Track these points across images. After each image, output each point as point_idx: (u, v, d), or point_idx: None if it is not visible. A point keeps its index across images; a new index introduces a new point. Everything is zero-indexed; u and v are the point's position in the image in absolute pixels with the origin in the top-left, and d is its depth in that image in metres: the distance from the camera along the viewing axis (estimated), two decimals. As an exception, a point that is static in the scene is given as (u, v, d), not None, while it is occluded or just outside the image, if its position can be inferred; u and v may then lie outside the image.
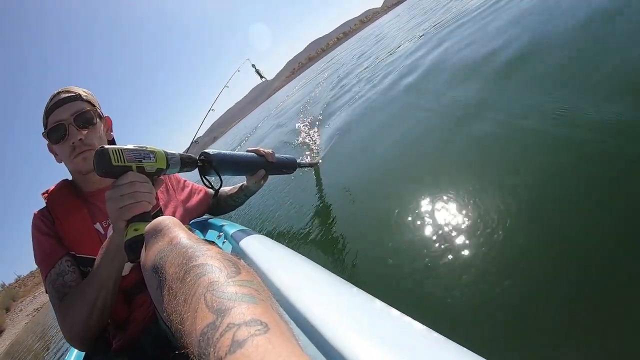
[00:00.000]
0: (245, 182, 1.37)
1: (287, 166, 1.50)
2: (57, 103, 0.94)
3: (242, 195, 1.40)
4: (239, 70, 3.17)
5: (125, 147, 0.76)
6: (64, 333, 0.84)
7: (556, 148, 1.18)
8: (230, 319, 0.29)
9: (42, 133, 0.98)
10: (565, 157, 1.12)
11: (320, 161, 2.45)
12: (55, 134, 0.95)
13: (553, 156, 1.15)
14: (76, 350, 1.05)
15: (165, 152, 0.85)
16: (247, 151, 1.30)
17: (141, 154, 0.79)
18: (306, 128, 4.02)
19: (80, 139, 0.94)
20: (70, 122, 0.94)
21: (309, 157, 3.02)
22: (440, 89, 2.49)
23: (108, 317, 0.86)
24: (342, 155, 2.51)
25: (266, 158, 1.32)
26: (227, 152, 1.17)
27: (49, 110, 0.95)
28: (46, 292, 0.90)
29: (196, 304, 0.33)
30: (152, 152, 0.81)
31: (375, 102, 3.24)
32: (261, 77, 3.33)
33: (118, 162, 0.74)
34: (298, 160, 1.61)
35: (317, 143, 3.33)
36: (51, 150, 1.02)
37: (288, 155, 1.52)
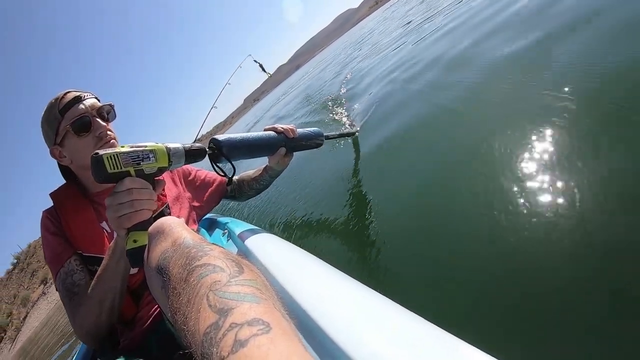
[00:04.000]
0: (268, 163, 1.30)
1: (312, 141, 1.38)
2: (73, 100, 0.95)
3: (267, 176, 1.34)
4: (240, 67, 3.08)
5: (121, 150, 0.74)
6: (75, 330, 0.87)
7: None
8: (232, 319, 0.30)
9: (56, 134, 0.95)
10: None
11: (358, 130, 2.13)
12: (80, 126, 0.94)
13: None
14: (85, 348, 1.10)
15: (167, 148, 0.82)
16: (265, 129, 1.23)
17: (139, 156, 0.76)
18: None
19: (106, 129, 0.98)
20: (93, 114, 0.96)
21: (349, 123, 2.65)
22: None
23: (117, 316, 0.88)
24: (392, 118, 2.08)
25: (285, 135, 1.23)
26: (239, 135, 1.12)
27: (65, 107, 0.94)
28: (57, 291, 0.92)
29: (199, 304, 0.33)
30: (152, 150, 0.78)
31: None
32: (264, 71, 3.19)
33: (114, 168, 0.72)
34: (326, 133, 1.49)
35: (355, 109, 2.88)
36: (55, 155, 0.99)
37: (312, 129, 1.41)
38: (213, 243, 0.48)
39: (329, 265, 0.69)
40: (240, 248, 0.96)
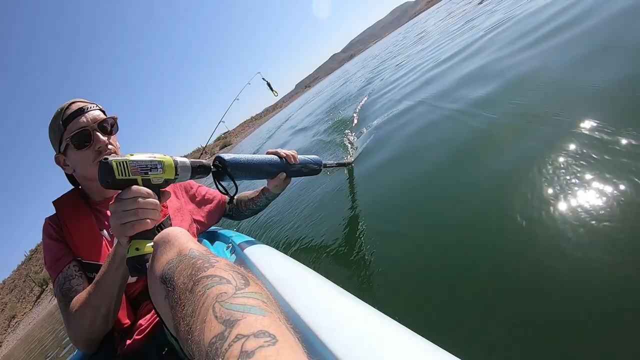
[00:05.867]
0: (266, 185, 1.34)
1: (311, 168, 1.43)
2: (76, 112, 0.97)
3: (264, 198, 1.37)
4: (249, 84, 3.08)
5: (130, 158, 0.74)
6: (69, 335, 0.86)
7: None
8: (238, 330, 0.30)
9: (59, 143, 0.98)
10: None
11: (353, 161, 2.24)
12: (80, 139, 0.96)
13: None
14: (80, 354, 1.07)
15: (175, 161, 0.83)
16: (267, 153, 1.26)
17: (148, 165, 0.77)
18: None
19: (106, 144, 0.99)
20: (94, 128, 0.98)
21: (350, 147, 2.81)
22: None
23: (112, 323, 0.88)
24: (388, 149, 2.20)
25: (287, 160, 1.27)
26: (243, 156, 1.14)
27: (68, 119, 0.96)
28: (55, 296, 0.92)
29: (205, 315, 0.34)
30: (160, 161, 0.79)
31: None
32: (272, 90, 3.16)
33: (122, 175, 0.72)
34: (324, 161, 1.54)
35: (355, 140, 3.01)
36: (59, 162, 1.02)
37: (312, 156, 1.45)
38: (218, 255, 0.48)
39: (332, 283, 0.70)
40: (244, 261, 0.95)
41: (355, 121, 3.67)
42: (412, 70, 4.55)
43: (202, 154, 2.67)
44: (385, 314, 0.54)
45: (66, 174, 1.07)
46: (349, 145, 2.97)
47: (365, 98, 4.65)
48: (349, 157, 2.56)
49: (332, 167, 1.92)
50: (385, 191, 1.73)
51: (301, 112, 11.41)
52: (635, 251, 0.77)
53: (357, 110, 4.16)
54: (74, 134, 0.95)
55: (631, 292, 0.71)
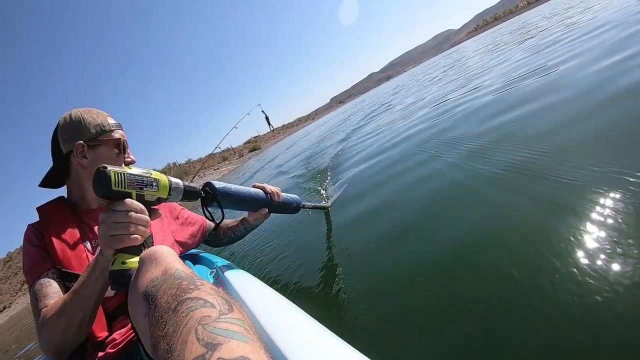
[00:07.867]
0: (246, 216, 1.38)
1: (291, 207, 1.51)
2: (118, 125, 1.09)
3: (242, 228, 1.41)
4: (249, 114, 3.28)
5: (128, 171, 0.75)
6: (40, 343, 0.83)
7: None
8: (220, 354, 0.31)
9: (94, 136, 1.02)
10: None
11: (330, 205, 2.34)
12: (124, 147, 1.09)
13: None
14: None
15: (170, 181, 0.84)
16: (253, 186, 1.32)
17: (144, 181, 0.77)
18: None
19: (132, 160, 1.12)
20: (126, 143, 1.11)
21: (328, 191, 2.93)
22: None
23: (85, 334, 0.86)
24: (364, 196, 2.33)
25: (271, 197, 1.34)
26: (233, 186, 1.18)
27: (117, 125, 1.08)
28: (30, 303, 0.91)
29: (186, 336, 0.34)
30: (156, 179, 0.80)
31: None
32: (269, 124, 3.39)
33: (118, 186, 0.72)
34: (304, 202, 1.61)
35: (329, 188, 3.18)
36: (77, 150, 1.01)
37: (293, 196, 1.53)
38: (203, 279, 0.49)
39: (309, 316, 0.71)
40: (226, 287, 0.96)
41: (332, 169, 3.87)
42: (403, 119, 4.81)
43: (193, 178, 2.83)
44: (359, 350, 0.56)
45: (55, 175, 1.07)
46: (324, 191, 3.11)
47: (341, 147, 4.97)
48: (325, 201, 2.68)
49: (310, 209, 1.98)
50: (360, 234, 1.80)
51: (289, 151, 11.83)
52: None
53: (336, 156, 4.42)
54: (123, 142, 1.08)
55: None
